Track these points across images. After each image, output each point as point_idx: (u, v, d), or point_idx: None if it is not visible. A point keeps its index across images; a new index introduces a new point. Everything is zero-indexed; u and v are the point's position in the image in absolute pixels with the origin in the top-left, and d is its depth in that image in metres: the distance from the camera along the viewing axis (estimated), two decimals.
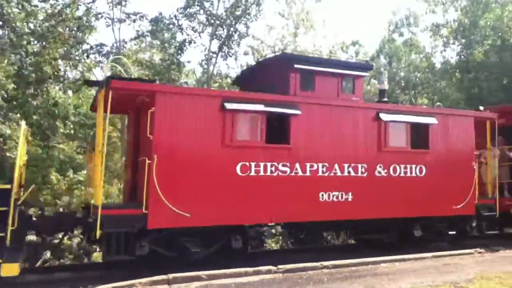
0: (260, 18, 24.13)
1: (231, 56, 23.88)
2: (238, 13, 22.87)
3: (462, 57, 30.51)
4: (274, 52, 24.36)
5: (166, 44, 23.64)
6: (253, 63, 24.42)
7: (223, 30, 23.44)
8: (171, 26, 23.19)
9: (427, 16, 35.83)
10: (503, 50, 25.79)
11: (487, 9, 28.67)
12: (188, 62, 24.03)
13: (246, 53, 24.41)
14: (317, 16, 49.84)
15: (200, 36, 23.43)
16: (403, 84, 36.18)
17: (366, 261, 9.55)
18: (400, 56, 38.66)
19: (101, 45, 22.54)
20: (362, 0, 66.19)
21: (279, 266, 8.79)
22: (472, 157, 11.72)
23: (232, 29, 23.24)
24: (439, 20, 33.77)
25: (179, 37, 23.53)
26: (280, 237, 15.34)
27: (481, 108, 12.92)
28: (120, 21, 22.17)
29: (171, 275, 7.93)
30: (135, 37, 23.30)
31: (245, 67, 24.06)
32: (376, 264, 9.44)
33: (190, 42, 23.33)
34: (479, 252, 10.96)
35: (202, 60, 23.66)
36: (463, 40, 30.07)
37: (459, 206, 11.35)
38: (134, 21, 22.50)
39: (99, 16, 21.93)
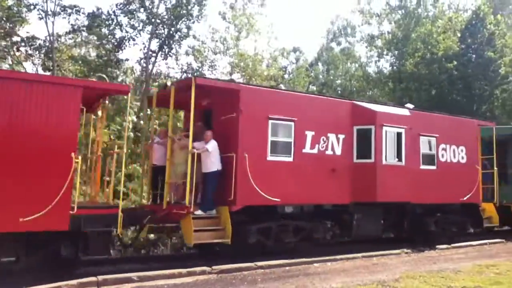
0: (202, 20, 23.92)
1: (171, 56, 23.53)
2: (179, 13, 22.56)
3: (395, 67, 32.08)
4: (216, 53, 24.42)
5: (103, 40, 22.88)
6: (195, 64, 24.29)
7: (163, 29, 23.04)
8: (109, 22, 22.46)
9: (363, 27, 37.26)
10: (431, 62, 27.36)
11: (419, 23, 30.35)
12: (127, 60, 23.31)
13: (187, 54, 24.11)
14: (260, 21, 50.39)
15: (139, 34, 22.89)
16: (339, 91, 37.35)
17: (299, 261, 9.72)
18: (337, 64, 39.93)
19: (33, 38, 21.45)
20: (303, 7, 67.74)
21: (214, 267, 8.74)
22: None
23: (173, 29, 22.90)
24: (374, 32, 35.33)
25: (118, 34, 22.85)
26: None
27: None
28: (54, 14, 21.19)
29: (100, 277, 7.64)
30: (70, 31, 22.35)
31: (185, 67, 23.85)
32: (309, 264, 9.64)
33: (129, 40, 22.73)
34: (406, 252, 11.50)
35: (141, 59, 23.10)
36: (396, 52, 31.61)
37: None
38: (69, 14, 21.59)
39: (31, 7, 20.87)
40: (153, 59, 23.28)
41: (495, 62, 25.10)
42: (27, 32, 21.62)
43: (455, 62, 25.62)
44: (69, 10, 21.48)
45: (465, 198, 13.29)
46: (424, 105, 23.74)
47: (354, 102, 12.21)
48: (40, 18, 21.16)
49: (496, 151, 14.63)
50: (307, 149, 10.68)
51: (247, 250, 9.97)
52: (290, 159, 10.40)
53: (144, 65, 22.33)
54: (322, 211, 11.15)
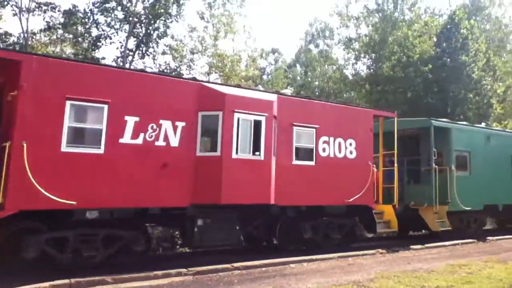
0: (180, 19, 23.77)
1: (149, 56, 23.31)
2: (157, 11, 22.37)
3: (372, 70, 32.46)
4: (194, 53, 24.24)
5: (79, 39, 22.53)
6: (173, 63, 24.09)
7: (141, 28, 22.82)
8: (85, 20, 22.13)
9: (341, 30, 37.65)
10: (407, 66, 27.79)
11: (395, 27, 30.77)
12: (103, 58, 22.95)
13: (164, 53, 23.90)
14: (239, 21, 50.37)
15: (117, 33, 22.60)
16: (317, 92, 37.61)
17: (276, 261, 9.74)
18: (315, 66, 40.21)
19: (7, 34, 20.98)
20: (282, 9, 67.99)
21: (190, 268, 8.68)
22: None
23: (150, 27, 22.70)
24: (352, 35, 35.71)
25: (95, 32, 22.54)
26: None
27: None
28: (29, 10, 20.77)
29: (73, 280, 7.50)
30: (45, 28, 21.94)
31: (163, 67, 23.62)
32: (286, 265, 9.66)
33: (105, 38, 22.43)
34: (381, 253, 11.63)
35: (118, 58, 22.80)
36: (373, 55, 32.00)
37: None
38: (44, 11, 21.19)
39: (5, 3, 20.41)
40: (130, 58, 23.04)
41: (469, 66, 25.64)
42: (0, 28, 21.15)
43: (430, 66, 26.08)
44: (44, 7, 21.14)
45: (351, 200, 11.66)
46: (401, 108, 24.13)
47: (203, 83, 10.28)
48: (14, 15, 20.74)
49: (404, 145, 14.21)
50: (126, 139, 8.73)
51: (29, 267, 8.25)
52: (101, 151, 8.41)
53: (121, 64, 22.04)
54: (153, 216, 9.47)
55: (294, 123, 10.94)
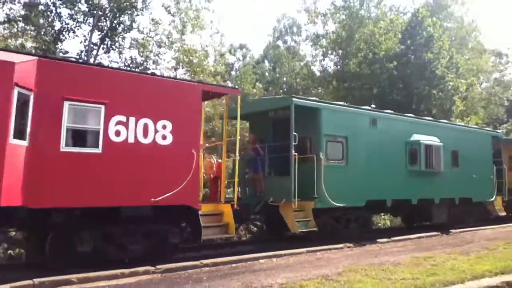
0: (147, 13, 23.36)
1: (114, 50, 22.78)
2: (123, 5, 21.87)
3: (339, 67, 32.84)
4: (160, 47, 23.82)
5: (41, 31, 21.77)
6: (139, 57, 23.60)
7: (106, 21, 22.27)
8: (48, 12, 21.42)
9: (309, 26, 37.88)
10: (373, 62, 28.25)
11: (362, 24, 31.20)
12: (66, 52, 22.29)
13: (131, 47, 23.41)
14: (207, 16, 50.00)
15: (80, 26, 21.98)
16: (285, 89, 37.77)
17: (245, 257, 9.73)
18: (283, 62, 40.35)
19: None
20: (249, 4, 67.87)
21: (158, 266, 8.55)
22: None
23: (116, 21, 22.18)
24: (320, 31, 36.00)
25: (57, 25, 21.84)
26: None
27: None
28: None
29: (36, 280, 7.26)
30: (5, 21, 21.09)
31: (129, 61, 23.15)
32: (255, 261, 9.66)
33: (69, 31, 21.78)
34: (349, 247, 11.79)
35: (82, 52, 22.18)
36: (340, 51, 32.36)
37: None
38: (3, 3, 20.38)
39: None
40: (94, 52, 22.47)
41: (433, 63, 26.28)
42: None
43: (395, 63, 26.59)
44: None
45: (160, 198, 9.07)
46: (368, 104, 24.49)
47: None
48: None
49: (276, 129, 13.04)
50: None
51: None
52: None
53: (85, 58, 21.46)
54: None
55: (67, 97, 8.24)
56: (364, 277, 7.73)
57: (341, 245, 11.71)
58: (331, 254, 10.76)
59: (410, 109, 24.43)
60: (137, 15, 22.82)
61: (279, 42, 45.72)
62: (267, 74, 43.67)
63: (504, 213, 18.27)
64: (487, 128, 18.28)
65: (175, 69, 24.29)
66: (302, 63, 39.37)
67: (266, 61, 46.30)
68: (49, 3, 21.33)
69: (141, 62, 23.39)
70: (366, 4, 33.17)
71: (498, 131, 19.41)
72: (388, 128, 14.16)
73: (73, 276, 7.59)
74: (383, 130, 13.94)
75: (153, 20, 24.02)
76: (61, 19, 21.70)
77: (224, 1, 56.66)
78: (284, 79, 39.90)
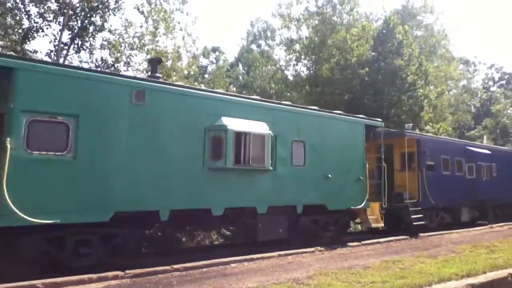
0: (119, 13, 22.93)
1: (85, 50, 22.36)
2: (94, 4, 21.49)
3: (312, 72, 33.13)
4: (132, 49, 23.52)
5: (9, 30, 21.16)
6: (110, 58, 23.20)
7: (76, 21, 21.82)
8: (15, 10, 20.84)
9: (283, 31, 38.10)
10: (345, 68, 28.65)
11: (334, 30, 31.60)
12: (35, 52, 21.75)
13: (102, 47, 22.98)
14: (181, 18, 49.74)
15: (50, 25, 21.48)
16: (259, 93, 37.85)
17: (216, 262, 9.68)
18: (257, 66, 40.49)
19: None
20: (224, 7, 67.83)
21: (127, 271, 8.42)
22: None
23: (87, 21, 21.77)
24: (293, 36, 36.25)
25: (26, 24, 21.27)
26: None
27: None
28: None
29: (2, 286, 7.02)
30: None
31: (100, 62, 22.74)
32: (226, 265, 9.62)
33: (38, 31, 21.24)
34: (320, 250, 11.88)
35: (51, 51, 21.66)
36: (313, 57, 32.67)
37: None
38: None
39: None
40: (64, 52, 21.99)
41: (403, 70, 26.83)
42: None
43: (367, 69, 27.03)
44: None
45: None
46: (339, 109, 24.76)
47: None
48: None
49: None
50: None
51: None
52: None
53: (55, 58, 20.98)
54: None
55: None
56: (334, 281, 7.79)
57: (312, 249, 11.80)
58: (302, 258, 10.81)
59: (381, 114, 24.87)
60: (109, 15, 22.48)
61: (253, 46, 45.87)
62: (240, 77, 43.73)
63: (379, 225, 14.64)
64: (361, 116, 14.82)
65: (147, 71, 24.02)
66: (275, 67, 39.56)
67: (240, 65, 46.35)
68: (18, 0, 20.77)
69: (112, 63, 23.03)
70: (338, 10, 33.62)
71: (378, 119, 15.47)
72: (172, 107, 9.88)
73: (38, 282, 7.38)
74: (162, 110, 9.68)
75: (126, 20, 23.69)
76: (30, 17, 21.16)
77: (198, 3, 56.50)
78: (258, 83, 40.03)
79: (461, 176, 19.21)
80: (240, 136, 10.72)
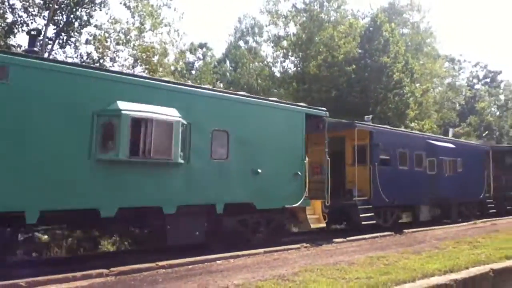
0: (105, 8, 22.68)
1: (70, 45, 22.11)
2: None
3: (299, 69, 33.20)
4: (118, 44, 23.25)
5: None
6: (96, 54, 22.93)
7: (62, 15, 21.55)
8: None
9: (270, 27, 38.10)
10: (332, 65, 28.74)
11: (322, 27, 31.68)
12: (19, 46, 21.45)
13: (88, 42, 22.71)
14: (168, 14, 49.38)
15: (34, 19, 21.19)
16: (246, 89, 37.83)
17: (202, 259, 9.65)
18: (244, 62, 40.44)
19: None
20: (212, 2, 67.50)
21: (112, 269, 8.35)
22: None
23: (72, 15, 21.50)
24: (281, 33, 36.26)
25: (10, 18, 20.95)
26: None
27: None
28: None
29: None
30: None
31: (85, 57, 22.49)
32: (212, 262, 9.61)
33: (22, 25, 20.92)
34: (305, 247, 11.92)
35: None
36: (300, 53, 32.72)
37: None
38: None
39: None
40: (49, 47, 21.71)
41: (389, 68, 27.02)
42: None
43: (354, 66, 27.17)
44: None
45: None
46: (326, 106, 24.83)
47: None
48: None
49: None
50: None
51: None
52: None
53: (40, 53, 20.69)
54: None
55: None
56: (319, 277, 7.82)
57: (298, 245, 11.83)
58: (288, 254, 10.84)
59: (367, 112, 25.03)
60: (95, 10, 22.24)
61: (241, 42, 45.79)
62: (228, 74, 43.63)
63: (321, 225, 13.21)
64: (301, 104, 13.73)
65: (133, 67, 23.83)
66: (263, 64, 39.54)
67: (227, 61, 46.23)
68: None
69: (98, 58, 22.79)
70: (326, 8, 33.70)
71: (322, 109, 14.19)
72: (48, 87, 8.34)
73: (22, 281, 7.29)
74: (33, 90, 8.14)
75: (110, 17, 23.42)
76: (14, 11, 20.84)
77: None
78: (245, 79, 39.97)
79: (421, 172, 17.87)
80: (138, 123, 9.09)
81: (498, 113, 56.80)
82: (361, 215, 14.69)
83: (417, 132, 20.78)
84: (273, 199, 11.84)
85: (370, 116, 19.28)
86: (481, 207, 22.12)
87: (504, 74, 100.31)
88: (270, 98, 13.30)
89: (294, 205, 12.26)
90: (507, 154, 26.01)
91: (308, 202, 12.69)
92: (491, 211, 22.15)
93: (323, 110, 13.98)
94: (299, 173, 12.43)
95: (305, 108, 13.32)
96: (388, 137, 16.78)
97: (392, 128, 19.21)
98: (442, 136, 22.69)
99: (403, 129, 20.01)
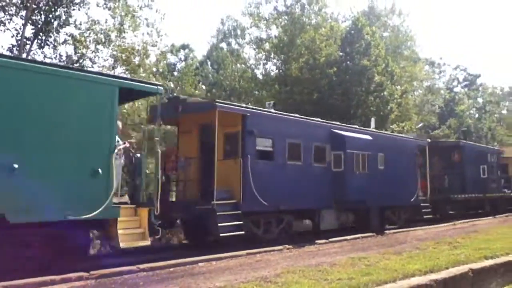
0: (84, 7, 22.35)
1: (48, 45, 21.72)
2: None
3: (281, 71, 33.31)
4: (99, 43, 22.91)
5: None
6: (74, 54, 22.56)
7: (40, 15, 21.19)
8: None
9: (252, 30, 38.13)
10: (314, 68, 28.92)
11: (303, 29, 31.85)
12: None
13: (67, 43, 22.34)
14: (149, 15, 48.90)
15: (12, 19, 20.80)
16: (228, 91, 37.81)
17: (184, 261, 9.57)
18: (226, 64, 40.40)
19: None
20: (194, 4, 67.30)
21: (92, 272, 8.21)
22: None
23: (51, 15, 21.15)
24: (263, 35, 36.32)
25: None
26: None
27: None
28: None
29: None
30: None
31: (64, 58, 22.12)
32: (194, 264, 9.54)
33: None
34: (288, 248, 11.93)
35: (14, 46, 20.96)
36: (282, 56, 32.84)
37: None
38: None
39: None
40: (27, 47, 21.32)
41: (370, 70, 27.30)
42: None
43: (335, 69, 27.38)
44: None
45: None
46: (308, 108, 24.99)
47: None
48: None
49: None
50: None
51: None
52: None
53: (17, 53, 20.31)
54: None
55: None
56: (302, 278, 7.82)
57: (280, 247, 11.83)
58: (270, 256, 10.82)
59: (348, 114, 25.25)
60: (74, 9, 21.92)
61: (223, 44, 45.71)
62: (210, 76, 43.48)
63: (142, 243, 9.48)
64: (111, 75, 11.69)
65: (113, 68, 23.55)
66: (245, 66, 39.52)
67: (209, 63, 46.08)
68: None
69: (77, 59, 22.47)
70: (307, 10, 33.90)
71: (157, 83, 10.91)
72: None
73: None
74: None
75: (88, 17, 23.11)
76: None
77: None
78: (227, 82, 39.90)
79: (322, 168, 14.52)
80: None
81: (477, 115, 57.89)
82: (220, 224, 11.17)
83: (318, 119, 15.88)
84: (48, 208, 7.94)
85: (272, 102, 17.07)
86: (417, 212, 18.85)
87: (483, 77, 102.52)
88: (50, 63, 10.22)
89: (86, 216, 8.33)
90: (452, 150, 23.14)
91: (115, 212, 8.83)
92: (427, 216, 18.88)
93: (157, 85, 10.22)
94: (99, 170, 8.59)
95: (119, 80, 9.67)
96: (271, 123, 13.20)
97: (276, 112, 14.45)
98: (355, 126, 18.17)
99: (296, 115, 15.26)
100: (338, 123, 16.77)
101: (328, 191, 14.52)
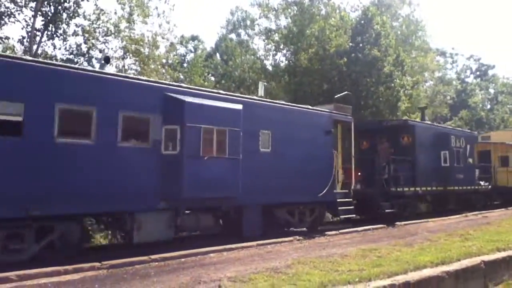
0: None
1: (58, 37, 21.77)
2: None
3: (290, 62, 33.08)
4: (108, 35, 22.91)
5: None
6: (84, 45, 22.61)
7: (49, 6, 21.22)
8: None
9: (262, 20, 37.86)
10: (324, 59, 28.66)
11: (313, 20, 31.55)
12: (7, 38, 21.13)
13: (76, 34, 22.36)
14: (158, 5, 48.83)
15: (21, 11, 20.86)
16: (237, 82, 37.69)
17: (195, 252, 9.64)
18: (236, 55, 40.23)
19: None
20: None
21: (104, 262, 8.30)
22: None
23: (60, 7, 21.17)
24: (272, 26, 36.09)
25: None
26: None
27: None
28: None
29: None
30: None
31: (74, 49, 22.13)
32: (205, 255, 9.59)
33: (9, 16, 20.59)
34: (298, 240, 11.93)
35: (24, 38, 21.04)
36: (292, 46, 32.59)
37: None
38: None
39: None
40: (38, 38, 21.40)
41: (380, 61, 27.00)
42: None
43: (345, 59, 27.11)
44: None
45: None
46: (317, 99, 24.82)
47: None
48: None
49: None
50: None
51: None
52: None
53: (28, 44, 20.40)
54: None
55: None
56: (312, 269, 7.83)
57: (291, 238, 11.85)
58: (281, 247, 10.85)
59: (358, 104, 25.04)
60: (83, 0, 21.93)
61: (232, 35, 45.55)
62: (219, 67, 43.40)
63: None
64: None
65: (123, 59, 23.59)
66: (253, 57, 39.35)
67: (218, 54, 45.97)
68: None
69: (86, 50, 22.54)
70: (316, 0, 33.56)
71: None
72: None
73: (12, 274, 7.21)
74: None
75: (97, 7, 23.10)
76: (1, 2, 20.50)
77: None
78: (237, 73, 39.79)
79: (141, 151, 10.02)
80: None
81: (489, 106, 57.27)
82: None
83: (145, 78, 12.22)
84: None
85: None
86: (333, 210, 14.97)
87: (497, 69, 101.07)
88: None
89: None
90: (401, 132, 18.53)
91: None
92: (346, 216, 14.89)
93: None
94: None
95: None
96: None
97: (48, 62, 10.28)
98: (209, 90, 13.17)
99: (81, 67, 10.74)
100: (180, 83, 12.65)
101: (154, 184, 10.03)
